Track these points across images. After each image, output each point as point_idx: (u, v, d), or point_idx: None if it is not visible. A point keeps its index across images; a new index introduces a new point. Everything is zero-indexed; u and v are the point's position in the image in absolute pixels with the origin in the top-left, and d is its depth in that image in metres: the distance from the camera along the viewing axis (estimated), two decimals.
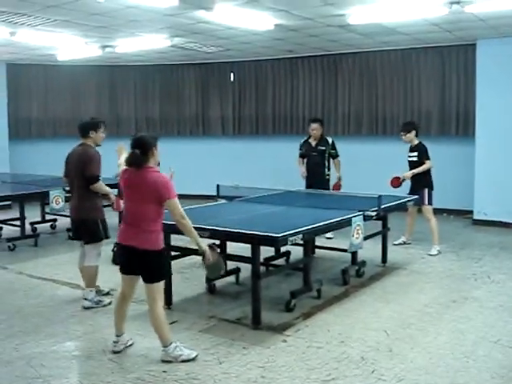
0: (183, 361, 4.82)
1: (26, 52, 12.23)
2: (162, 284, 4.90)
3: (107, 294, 6.73)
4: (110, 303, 6.29)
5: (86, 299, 6.33)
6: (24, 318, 6.00)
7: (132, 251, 4.79)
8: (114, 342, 5.13)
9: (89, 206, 6.36)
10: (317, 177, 9.45)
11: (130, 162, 4.81)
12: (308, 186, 9.52)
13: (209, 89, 14.48)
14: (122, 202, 6.18)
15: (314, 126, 9.52)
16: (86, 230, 6.42)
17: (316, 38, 10.87)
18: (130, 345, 5.15)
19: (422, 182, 8.82)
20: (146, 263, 4.78)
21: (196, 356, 4.89)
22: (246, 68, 14.00)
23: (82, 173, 6.31)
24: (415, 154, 8.86)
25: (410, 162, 8.95)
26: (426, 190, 8.79)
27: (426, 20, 9.06)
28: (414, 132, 8.94)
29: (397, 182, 8.87)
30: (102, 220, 6.47)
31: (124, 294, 5.07)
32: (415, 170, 8.76)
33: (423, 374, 4.61)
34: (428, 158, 8.81)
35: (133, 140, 4.84)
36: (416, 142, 8.97)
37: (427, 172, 8.83)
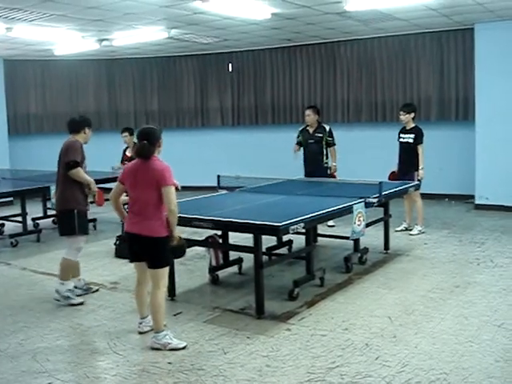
0: (171, 349, 4.89)
1: (23, 48, 12.20)
2: (165, 271, 5.00)
3: (96, 291, 6.69)
4: (81, 303, 6.16)
5: (56, 290, 6.23)
6: (28, 313, 6.01)
7: (136, 238, 4.97)
8: (139, 323, 5.34)
9: (67, 196, 6.22)
10: (315, 164, 9.39)
11: (139, 152, 4.97)
12: (307, 173, 9.47)
13: (207, 80, 14.46)
14: (104, 196, 6.25)
15: (307, 112, 9.50)
16: (60, 221, 6.39)
17: (313, 26, 10.84)
18: None
19: (413, 165, 8.87)
20: (149, 249, 4.93)
21: (184, 347, 4.94)
22: (244, 58, 13.96)
23: (63, 161, 6.25)
24: (411, 136, 8.91)
25: (402, 143, 9.01)
26: (416, 173, 8.84)
27: (423, 5, 9.02)
28: (412, 114, 9.00)
29: (394, 176, 8.91)
30: (80, 212, 6.27)
31: (139, 281, 5.26)
32: (421, 159, 8.80)
33: (427, 359, 4.61)
34: (422, 143, 8.89)
35: (140, 132, 5.03)
36: (412, 124, 9.01)
37: (417, 155, 8.87)
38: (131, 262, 5.21)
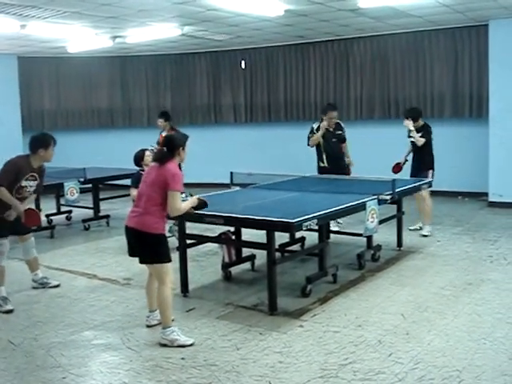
0: (179, 345, 4.91)
1: (37, 45, 12.28)
2: (166, 267, 5.03)
3: (56, 286, 6.74)
4: (10, 311, 5.96)
5: None
6: (42, 309, 6.06)
7: (132, 232, 5.06)
8: (147, 316, 5.44)
9: None
10: (338, 163, 9.15)
11: (154, 157, 5.29)
12: (328, 172, 8.96)
13: (220, 77, 14.48)
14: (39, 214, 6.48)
15: (335, 114, 9.12)
16: None
17: (327, 23, 10.82)
18: None
19: (427, 164, 8.80)
20: (141, 244, 5.01)
21: (192, 343, 4.96)
22: (257, 55, 13.96)
23: None
24: (420, 134, 8.74)
25: (413, 142, 8.88)
26: (431, 172, 8.77)
27: (437, 1, 8.99)
28: (420, 119, 8.82)
29: (398, 168, 8.87)
30: None
31: (150, 274, 5.33)
32: (417, 137, 8.67)
33: (440, 356, 4.61)
34: (427, 137, 8.73)
35: (164, 138, 5.32)
36: (421, 123, 8.86)
37: (430, 153, 8.80)
38: (130, 256, 5.25)
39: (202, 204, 5.27)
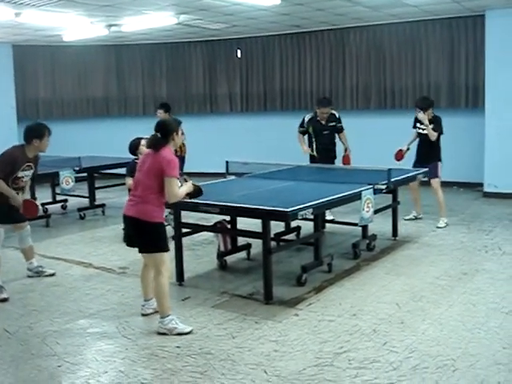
0: (177, 334, 4.92)
1: (32, 33, 12.21)
2: (163, 256, 5.02)
3: (52, 275, 6.75)
4: (5, 299, 5.97)
5: None
6: (37, 297, 6.06)
7: (130, 221, 5.04)
8: (142, 305, 5.46)
9: None
10: (329, 155, 9.17)
11: (149, 144, 5.11)
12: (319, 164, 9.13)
13: (216, 66, 14.44)
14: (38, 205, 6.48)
15: (325, 110, 9.04)
16: None
17: (323, 12, 10.79)
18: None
19: (435, 155, 8.72)
20: (140, 233, 4.99)
21: (190, 331, 4.97)
22: (253, 44, 13.92)
23: None
24: (431, 126, 8.62)
25: (421, 134, 8.79)
26: (439, 163, 8.73)
27: None
28: (431, 109, 8.69)
29: (400, 155, 8.84)
30: None
31: (145, 263, 5.33)
32: (431, 131, 8.57)
33: (435, 345, 4.63)
34: (439, 130, 8.66)
35: (156, 123, 5.15)
36: (432, 114, 8.72)
37: (438, 145, 8.75)
38: (127, 246, 5.27)
39: (197, 190, 5.24)
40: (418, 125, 8.82)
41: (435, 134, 8.60)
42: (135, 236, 5.06)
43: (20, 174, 6.24)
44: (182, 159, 8.99)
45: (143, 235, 4.97)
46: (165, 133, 5.00)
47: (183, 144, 9.05)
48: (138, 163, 5.24)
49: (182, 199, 5.18)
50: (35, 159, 6.43)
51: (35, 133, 6.27)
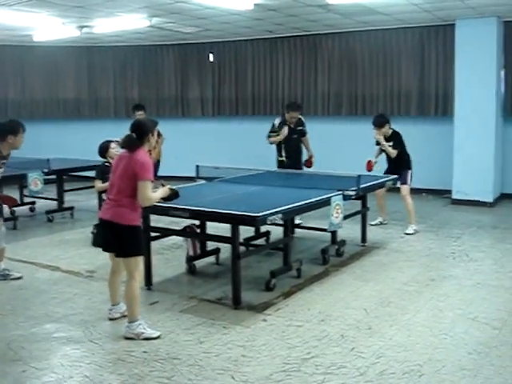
0: (145, 338, 4.88)
1: (2, 33, 12.04)
2: (137, 261, 5.00)
3: (18, 278, 6.68)
4: None
5: None
6: (3, 301, 5.98)
7: (106, 225, 4.99)
8: (109, 309, 5.40)
9: None
10: (298, 158, 9.30)
11: (123, 144, 5.01)
12: (289, 168, 9.09)
13: (188, 69, 14.39)
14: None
15: (295, 114, 9.15)
16: None
17: (296, 18, 10.83)
18: (126, 315, 5.15)
19: (405, 165, 8.83)
20: (117, 237, 4.93)
21: (158, 336, 4.94)
22: (226, 48, 13.91)
23: None
24: (390, 143, 8.77)
25: (384, 150, 8.92)
26: (409, 171, 8.83)
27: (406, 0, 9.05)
28: (386, 126, 8.80)
29: (370, 166, 8.91)
30: None
31: (113, 269, 5.31)
32: (390, 149, 8.73)
33: (402, 351, 4.66)
34: (399, 148, 8.76)
35: (131, 123, 5.06)
36: (390, 131, 8.85)
37: (406, 154, 8.86)
38: (104, 251, 5.23)
39: (173, 194, 5.19)
40: (381, 146, 8.96)
41: (394, 152, 8.76)
42: (112, 239, 5.00)
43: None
44: (156, 163, 8.94)
45: (119, 239, 4.92)
46: (140, 133, 4.93)
47: (157, 147, 8.88)
48: (113, 165, 5.17)
49: (157, 203, 5.14)
50: (8, 157, 6.37)
51: (9, 129, 6.21)
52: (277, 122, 9.26)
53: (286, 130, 9.06)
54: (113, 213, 4.90)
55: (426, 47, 11.73)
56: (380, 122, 8.82)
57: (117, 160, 5.10)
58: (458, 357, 4.53)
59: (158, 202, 5.16)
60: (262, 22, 11.19)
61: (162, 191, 5.10)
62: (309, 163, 9.43)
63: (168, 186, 5.19)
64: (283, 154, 9.17)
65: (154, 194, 4.95)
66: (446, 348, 4.71)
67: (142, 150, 4.91)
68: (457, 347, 4.72)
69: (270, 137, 9.23)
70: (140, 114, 9.68)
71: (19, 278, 6.67)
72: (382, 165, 9.01)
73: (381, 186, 8.24)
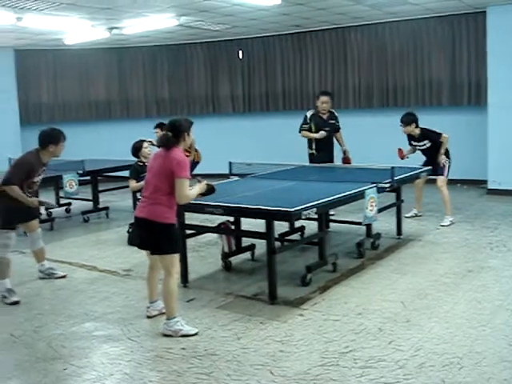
0: (182, 335, 4.91)
1: (34, 37, 12.22)
2: (174, 258, 5.02)
3: (63, 277, 6.77)
4: (16, 302, 5.96)
5: None
6: (43, 301, 6.07)
7: (142, 223, 5.02)
8: (147, 307, 5.45)
9: None
10: (329, 153, 9.25)
11: (160, 142, 5.09)
12: (321, 162, 9.03)
13: (217, 67, 14.44)
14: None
15: (325, 98, 9.19)
16: None
17: (323, 12, 10.78)
18: (164, 312, 5.19)
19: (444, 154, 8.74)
20: (152, 234, 4.97)
21: (196, 333, 4.97)
22: (254, 45, 13.92)
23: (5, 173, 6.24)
24: (426, 141, 8.71)
25: (423, 150, 8.84)
26: (447, 163, 8.75)
27: None
28: (413, 124, 8.68)
29: (401, 153, 8.83)
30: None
31: (151, 266, 5.37)
32: (442, 151, 8.65)
33: (441, 343, 4.61)
34: (440, 134, 8.69)
35: (168, 122, 5.13)
36: (417, 131, 8.72)
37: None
38: (139, 248, 5.28)
39: (210, 190, 5.22)
40: (413, 142, 8.87)
41: (445, 140, 8.66)
42: (147, 238, 5.04)
43: (36, 178, 6.30)
44: (195, 164, 8.91)
45: (155, 236, 4.96)
46: (176, 133, 4.98)
47: (196, 149, 8.69)
48: (148, 164, 5.23)
49: (195, 198, 5.16)
50: (47, 164, 6.49)
51: (51, 138, 6.28)
52: (309, 113, 9.30)
53: (323, 133, 9.04)
54: (148, 211, 4.94)
55: (457, 36, 11.57)
56: (407, 120, 8.72)
57: (152, 159, 5.15)
58: (498, 348, 4.47)
59: (193, 200, 5.19)
60: (289, 16, 11.16)
61: (199, 187, 5.14)
62: (347, 159, 9.33)
63: (204, 182, 5.22)
64: (313, 147, 9.16)
65: (191, 191, 4.98)
66: (486, 340, 4.65)
67: (178, 149, 4.95)
68: (496, 339, 4.66)
69: (302, 129, 9.21)
70: (156, 132, 9.52)
71: (64, 277, 6.79)
72: (418, 157, 8.91)
73: (415, 177, 8.16)
